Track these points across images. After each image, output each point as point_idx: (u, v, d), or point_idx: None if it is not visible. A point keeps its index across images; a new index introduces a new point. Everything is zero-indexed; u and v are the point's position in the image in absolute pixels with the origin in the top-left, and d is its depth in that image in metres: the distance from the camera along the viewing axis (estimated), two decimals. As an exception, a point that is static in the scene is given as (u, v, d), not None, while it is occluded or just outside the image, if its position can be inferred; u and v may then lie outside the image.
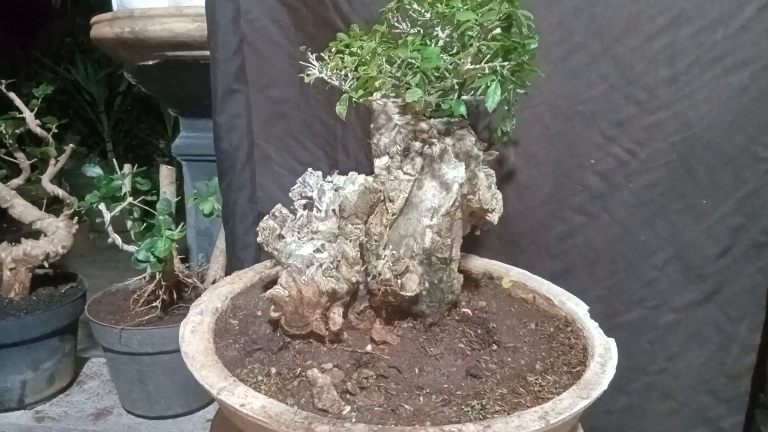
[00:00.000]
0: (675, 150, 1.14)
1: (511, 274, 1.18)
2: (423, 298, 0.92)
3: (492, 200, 0.97)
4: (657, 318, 1.23)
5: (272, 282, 1.13)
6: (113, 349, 1.50)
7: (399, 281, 0.87)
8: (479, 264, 1.23)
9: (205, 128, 1.88)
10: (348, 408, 0.75)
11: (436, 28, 0.90)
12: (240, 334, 0.94)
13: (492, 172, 0.98)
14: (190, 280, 1.62)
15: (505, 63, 0.80)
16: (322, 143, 1.35)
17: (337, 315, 0.89)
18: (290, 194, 0.99)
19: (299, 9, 1.25)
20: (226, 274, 1.46)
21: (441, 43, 0.89)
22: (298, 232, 0.93)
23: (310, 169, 1.01)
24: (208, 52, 1.53)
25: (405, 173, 0.91)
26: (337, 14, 1.20)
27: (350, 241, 0.90)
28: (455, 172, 0.90)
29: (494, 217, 0.99)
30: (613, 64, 1.13)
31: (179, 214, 1.83)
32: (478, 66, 0.80)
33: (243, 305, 1.04)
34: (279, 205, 0.98)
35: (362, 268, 0.92)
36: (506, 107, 1.00)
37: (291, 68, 1.29)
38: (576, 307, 1.04)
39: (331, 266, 0.89)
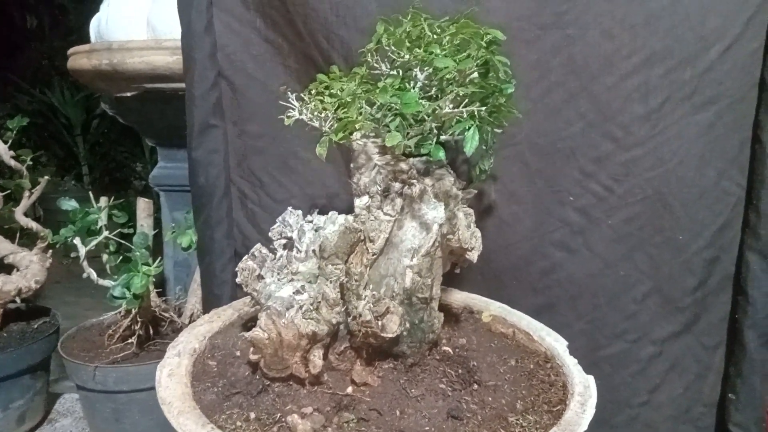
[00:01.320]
0: (651, 185, 1.17)
1: (491, 308, 1.19)
2: (404, 338, 0.92)
3: (471, 239, 0.99)
4: (639, 351, 1.25)
5: (251, 320, 1.14)
6: (87, 387, 1.47)
7: (380, 322, 0.88)
8: (459, 298, 1.24)
9: (183, 159, 1.83)
10: (329, 455, 0.75)
11: (415, 70, 0.92)
12: (218, 377, 0.94)
13: (471, 211, 1.00)
14: (167, 314, 1.60)
15: (483, 107, 0.81)
16: (299, 180, 1.34)
17: (317, 357, 0.89)
18: (270, 233, 1.00)
19: (280, 44, 1.26)
20: (204, 311, 1.45)
21: (420, 84, 0.91)
22: (278, 273, 0.94)
23: (290, 208, 1.01)
24: (185, 82, 1.55)
25: (385, 213, 0.92)
26: (317, 51, 1.21)
27: (330, 282, 0.91)
28: (435, 212, 0.91)
29: (474, 256, 1.00)
30: (590, 102, 1.16)
31: (157, 244, 1.83)
32: (456, 110, 0.82)
33: (221, 345, 1.04)
34: (258, 245, 0.99)
35: (343, 309, 0.92)
36: (484, 147, 1.02)
37: (267, 103, 1.29)
38: (555, 343, 1.04)
39: (311, 308, 0.89)
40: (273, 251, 0.99)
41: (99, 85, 1.73)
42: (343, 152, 1.27)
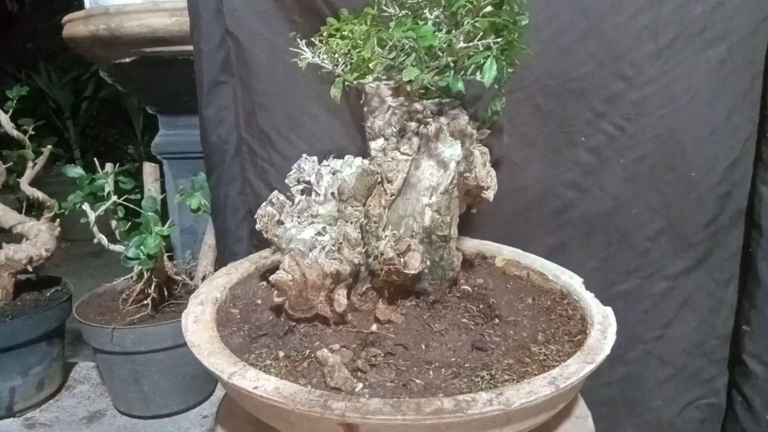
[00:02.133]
0: (662, 123, 1.18)
1: (503, 252, 1.21)
2: (425, 276, 0.94)
3: (487, 177, 1.00)
4: (651, 287, 1.28)
5: (269, 271, 1.15)
6: (105, 349, 1.50)
7: (402, 259, 0.90)
8: (471, 245, 1.26)
9: (185, 125, 1.89)
10: (360, 385, 0.77)
11: (424, 11, 0.92)
12: (243, 322, 0.96)
13: (486, 149, 1.01)
14: (179, 277, 1.62)
15: (498, 39, 0.82)
16: (307, 136, 1.35)
17: (341, 296, 0.91)
18: (287, 180, 1.01)
19: (285, 0, 1.26)
20: (219, 266, 1.47)
21: (430, 24, 0.91)
22: (298, 217, 0.95)
23: (304, 155, 1.02)
24: (187, 47, 1.55)
25: (402, 153, 0.93)
26: (323, 2, 1.21)
27: (351, 223, 0.92)
28: (452, 150, 0.92)
29: (490, 194, 1.02)
30: (600, 42, 1.16)
31: (162, 214, 1.84)
32: (471, 44, 0.83)
33: (242, 295, 1.06)
34: (276, 192, 1.00)
35: (363, 250, 0.94)
36: (496, 86, 1.02)
37: (273, 59, 1.30)
38: (570, 280, 1.07)
39: (334, 248, 0.91)
40: (290, 198, 1.01)
41: (97, 53, 1.72)
42: (351, 105, 1.28)
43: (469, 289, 1.04)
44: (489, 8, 0.83)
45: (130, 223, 1.61)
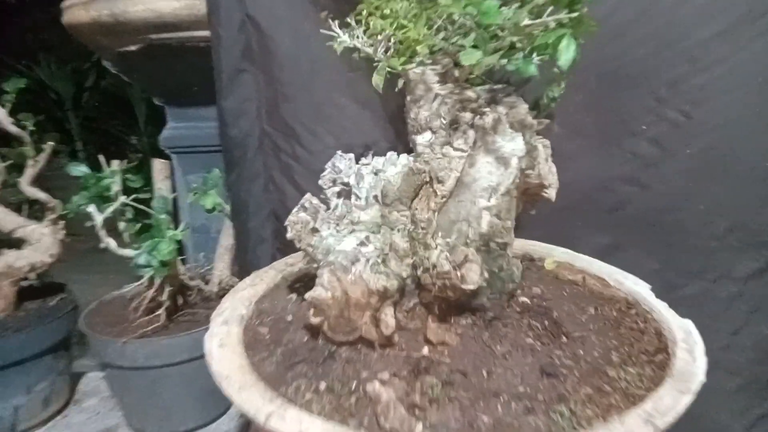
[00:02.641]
0: (731, 109, 1.06)
1: (554, 254, 1.11)
2: (483, 289, 0.82)
3: (549, 174, 0.88)
4: (718, 291, 1.16)
5: (297, 280, 1.05)
6: (116, 364, 1.39)
7: (458, 273, 0.78)
8: (517, 245, 1.13)
9: (195, 117, 1.79)
10: (420, 426, 0.65)
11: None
12: (274, 344, 0.84)
13: (548, 142, 0.89)
14: (193, 283, 1.50)
15: (573, 13, 0.69)
16: (334, 129, 1.24)
17: (389, 316, 0.79)
18: (320, 181, 0.89)
19: (311, -18, 1.14)
20: (240, 275, 1.36)
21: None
22: (336, 224, 0.83)
23: (339, 152, 0.90)
24: (197, 33, 1.44)
25: (456, 149, 0.81)
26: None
27: (397, 230, 0.80)
28: (513, 144, 0.80)
29: (552, 193, 0.90)
30: (661, 19, 1.04)
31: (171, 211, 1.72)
32: (539, 21, 0.70)
33: (269, 309, 0.95)
34: (308, 195, 0.88)
35: (411, 261, 0.82)
36: (555, 68, 0.90)
37: (298, 46, 1.19)
38: (636, 287, 0.96)
39: (379, 261, 0.79)
40: (324, 201, 0.89)
41: (100, 40, 1.60)
42: (382, 95, 1.17)
43: (528, 301, 0.92)
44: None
45: (140, 225, 1.49)
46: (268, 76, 1.22)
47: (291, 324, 0.90)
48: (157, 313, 1.38)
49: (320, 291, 0.78)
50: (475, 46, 0.70)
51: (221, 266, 1.54)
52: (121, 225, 1.48)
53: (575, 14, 0.69)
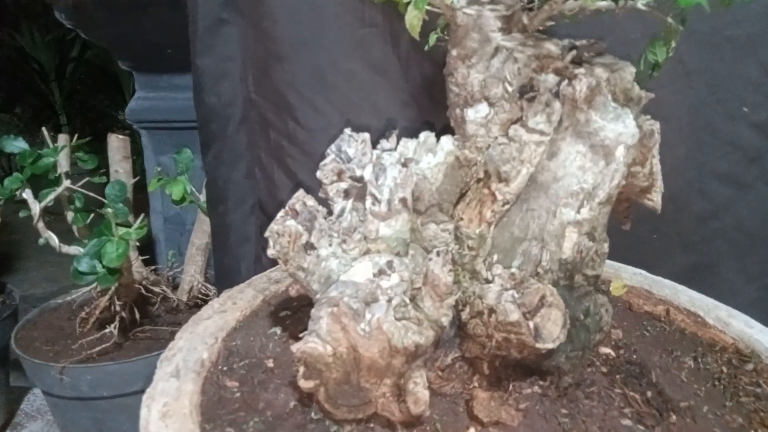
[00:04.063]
0: None
1: (623, 275, 0.88)
2: (561, 346, 0.54)
3: (658, 173, 0.60)
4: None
5: (284, 306, 0.79)
6: (53, 393, 1.11)
7: (530, 323, 0.50)
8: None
9: (168, 86, 1.54)
10: None
11: None
12: (245, 410, 0.59)
13: (658, 125, 0.61)
14: (157, 289, 1.23)
15: None
16: (339, 101, 1.00)
17: (419, 386, 0.52)
18: (319, 173, 0.61)
19: None
20: (216, 282, 1.09)
21: None
22: (342, 240, 0.55)
23: (347, 131, 0.62)
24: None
25: (531, 131, 0.53)
26: None
27: (437, 253, 0.53)
28: (619, 125, 0.53)
29: (657, 199, 0.63)
30: None
31: (141, 196, 1.45)
32: None
33: (243, 350, 0.70)
34: (301, 194, 0.60)
35: (457, 296, 0.55)
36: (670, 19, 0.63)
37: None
38: (749, 330, 0.73)
39: (407, 300, 0.51)
40: (325, 202, 0.61)
41: (50, -16, 1.31)
42: (401, 56, 0.90)
43: (613, 353, 0.66)
44: None
45: (92, 215, 1.21)
46: (258, 30, 0.98)
47: (272, 375, 0.65)
48: (105, 331, 1.10)
49: (315, 344, 0.50)
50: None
51: (192, 270, 1.27)
52: (69, 216, 1.20)
53: None
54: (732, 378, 0.66)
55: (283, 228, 0.58)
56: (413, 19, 0.52)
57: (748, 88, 0.91)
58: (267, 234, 0.60)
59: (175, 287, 1.33)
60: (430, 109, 0.92)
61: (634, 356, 0.66)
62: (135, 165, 1.40)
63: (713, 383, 0.66)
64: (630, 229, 0.93)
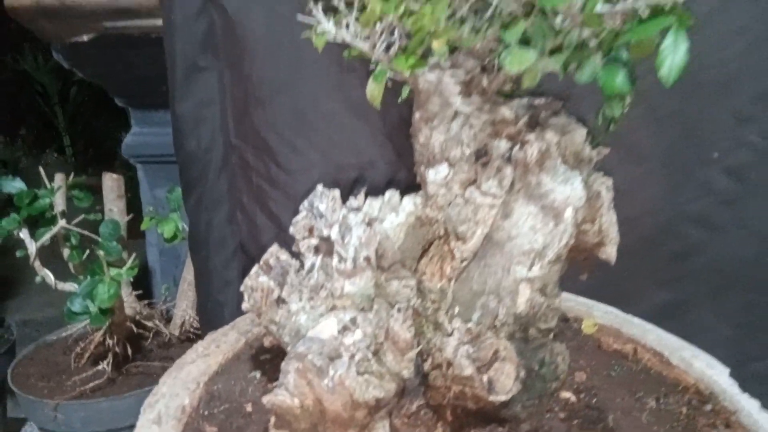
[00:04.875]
0: None
1: (594, 313, 0.90)
2: (518, 396, 0.58)
3: (611, 227, 0.64)
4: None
5: (265, 349, 0.82)
6: (48, 428, 1.14)
7: (484, 377, 0.54)
8: (547, 299, 0.90)
9: (162, 121, 1.55)
10: None
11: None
12: (222, 457, 0.61)
13: (610, 183, 0.64)
14: (150, 323, 1.26)
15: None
16: (320, 142, 1.01)
17: (382, 436, 0.55)
18: (292, 229, 0.65)
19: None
20: (201, 325, 1.12)
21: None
22: (310, 295, 0.59)
23: (320, 187, 0.66)
24: (160, 21, 1.19)
25: (485, 194, 0.57)
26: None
27: (398, 309, 0.56)
28: (567, 188, 0.56)
29: (611, 252, 0.66)
30: (756, 9, 0.83)
31: (135, 228, 1.49)
32: (628, 3, 0.45)
33: (224, 394, 0.73)
34: (275, 249, 0.64)
35: (418, 351, 0.58)
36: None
37: (274, 34, 0.95)
38: (710, 371, 0.74)
39: (369, 355, 0.55)
40: (297, 256, 0.65)
41: (45, 28, 1.36)
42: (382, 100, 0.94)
43: (573, 397, 0.68)
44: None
45: (88, 252, 1.25)
46: (236, 74, 0.98)
47: (250, 420, 0.68)
48: (98, 367, 1.13)
49: (283, 396, 0.54)
50: (524, 43, 0.46)
51: (184, 305, 1.30)
52: (65, 253, 1.24)
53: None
54: (691, 419, 0.68)
55: (256, 283, 0.62)
56: (374, 91, 0.56)
57: (720, 133, 0.92)
58: (242, 288, 0.64)
59: (168, 320, 1.35)
60: (407, 148, 0.95)
61: (594, 400, 0.69)
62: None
63: (672, 424, 0.68)
64: (604, 267, 0.96)
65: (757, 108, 0.86)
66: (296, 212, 0.68)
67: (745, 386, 0.70)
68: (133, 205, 1.50)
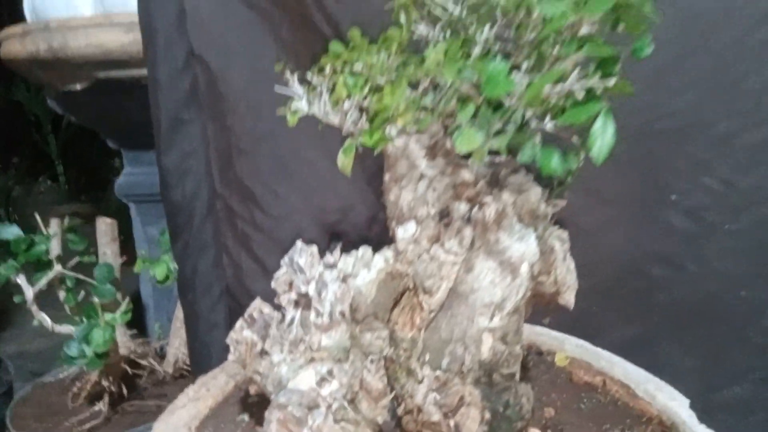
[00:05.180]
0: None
1: (566, 347, 0.93)
2: (484, 436, 0.63)
3: (567, 275, 0.69)
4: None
5: (251, 391, 0.85)
6: (45, 470, 1.18)
7: (451, 422, 0.59)
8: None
9: (153, 162, 1.57)
10: None
11: (472, 28, 0.61)
12: (211, 500, 0.65)
13: (565, 235, 0.70)
14: (144, 362, 1.30)
15: (608, 77, 0.51)
16: (302, 188, 1.06)
17: (359, 479, 0.59)
18: (274, 283, 0.70)
19: (268, 9, 0.96)
20: (190, 366, 1.16)
21: (478, 50, 0.60)
22: (290, 350, 0.64)
23: (299, 243, 0.71)
24: (145, 62, 1.25)
25: (447, 252, 0.62)
26: (321, 14, 0.91)
27: (371, 360, 0.62)
28: (522, 245, 0.61)
29: (569, 298, 0.72)
30: (709, 62, 0.87)
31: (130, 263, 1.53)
32: (563, 85, 0.51)
33: None
34: (258, 303, 0.69)
35: (391, 397, 0.63)
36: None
37: (255, 86, 1.01)
38: (671, 402, 0.78)
39: (345, 404, 0.60)
40: (279, 308, 0.70)
41: (41, 77, 1.42)
42: (359, 150, 0.99)
43: (542, 433, 0.73)
44: (592, 28, 0.52)
45: (83, 293, 1.30)
46: (219, 125, 1.03)
47: (239, 463, 0.72)
48: (95, 407, 1.17)
49: (267, 444, 0.59)
50: (475, 124, 0.51)
51: (177, 343, 1.34)
52: (61, 295, 1.28)
53: (612, 81, 0.50)
54: (653, 450, 0.74)
55: (241, 337, 0.67)
56: (344, 162, 0.62)
57: (678, 177, 0.94)
58: (227, 341, 0.69)
59: (162, 357, 1.40)
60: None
61: (562, 433, 0.75)
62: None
63: (636, 455, 0.74)
64: (579, 304, 1.01)
65: (712, 153, 0.90)
66: (280, 255, 0.73)
67: (708, 414, 0.72)
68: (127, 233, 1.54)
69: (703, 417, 0.72)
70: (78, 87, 1.39)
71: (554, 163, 0.49)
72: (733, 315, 0.96)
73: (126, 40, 1.26)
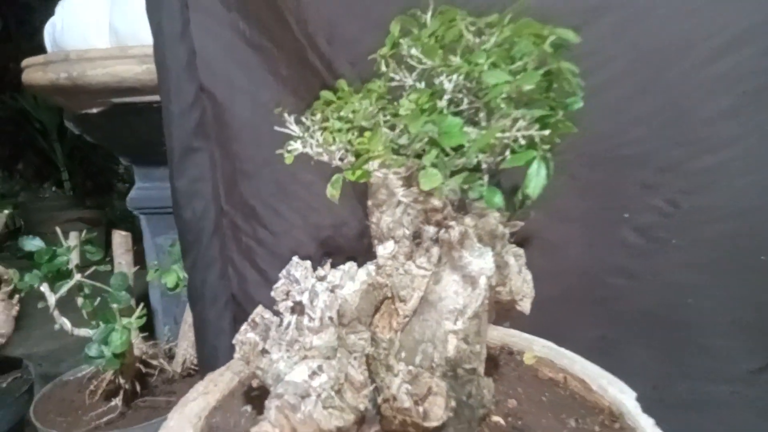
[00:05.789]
0: (738, 197, 1.00)
1: (534, 347, 1.04)
2: (450, 421, 0.75)
3: (523, 286, 0.82)
4: (715, 391, 1.09)
5: (253, 387, 0.98)
6: (68, 459, 1.31)
7: (420, 408, 0.71)
8: (496, 336, 1.08)
9: (162, 177, 1.71)
10: None
11: (441, 78, 0.74)
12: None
13: (521, 251, 0.83)
14: (155, 362, 1.43)
15: (544, 129, 0.64)
16: (300, 207, 1.18)
17: (344, 457, 0.72)
18: (273, 293, 0.83)
19: (268, 49, 1.08)
20: (199, 368, 1.28)
21: (447, 97, 0.73)
22: (287, 347, 0.77)
23: (295, 259, 0.84)
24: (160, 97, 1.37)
25: (419, 267, 0.74)
26: (315, 54, 1.04)
27: (355, 357, 0.74)
28: (481, 261, 0.74)
29: (526, 306, 0.84)
30: (661, 96, 0.99)
31: (141, 271, 1.66)
32: (507, 135, 0.64)
33: (221, 425, 0.88)
34: (260, 309, 0.81)
35: (372, 388, 0.76)
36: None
37: (257, 118, 1.13)
38: (621, 395, 0.88)
39: (333, 393, 0.72)
40: (278, 313, 0.82)
41: (60, 101, 1.55)
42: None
43: (502, 421, 0.85)
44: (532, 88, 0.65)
45: (99, 299, 1.42)
46: (225, 152, 1.16)
47: (243, 447, 0.84)
48: (111, 403, 1.30)
49: (267, 427, 0.71)
50: (435, 166, 0.64)
51: (185, 345, 1.47)
52: (79, 301, 1.41)
53: (546, 132, 0.63)
54: (601, 436, 0.85)
55: (245, 338, 0.80)
56: (332, 192, 0.75)
57: (630, 199, 1.05)
58: (234, 342, 0.82)
59: (171, 358, 1.52)
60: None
61: (520, 422, 0.86)
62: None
63: (586, 441, 0.85)
64: (544, 308, 1.12)
65: (662, 178, 1.01)
66: (281, 267, 0.85)
67: (665, 411, 0.81)
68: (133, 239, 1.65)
69: (653, 410, 0.81)
70: (94, 110, 1.51)
71: (497, 199, 0.61)
72: (682, 320, 1.06)
73: (139, 69, 1.39)
